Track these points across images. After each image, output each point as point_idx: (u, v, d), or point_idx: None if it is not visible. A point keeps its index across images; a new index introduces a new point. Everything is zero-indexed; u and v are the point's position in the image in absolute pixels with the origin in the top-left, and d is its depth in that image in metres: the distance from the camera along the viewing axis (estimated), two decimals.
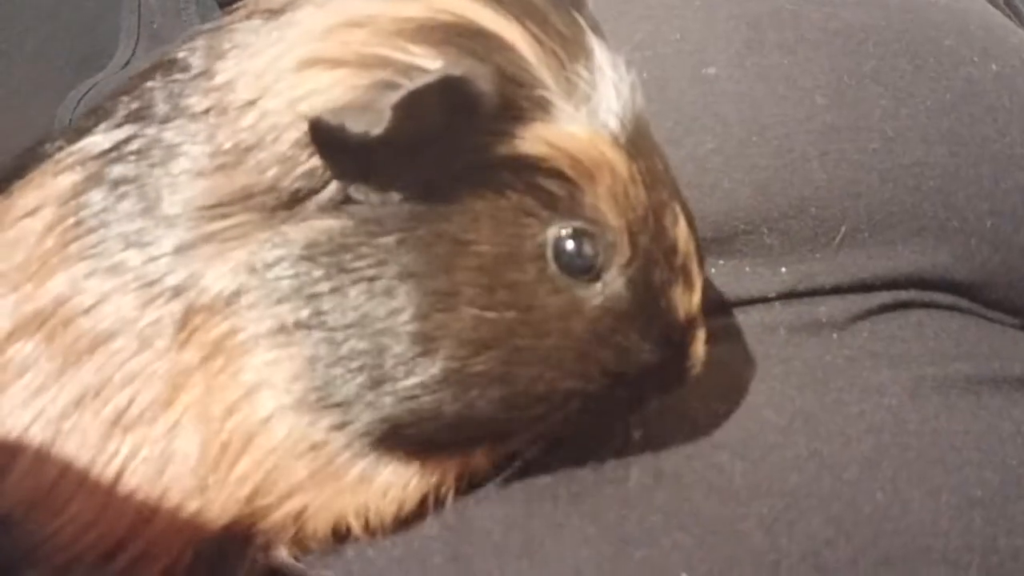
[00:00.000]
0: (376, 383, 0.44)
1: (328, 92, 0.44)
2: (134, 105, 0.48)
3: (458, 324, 0.44)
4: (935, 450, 0.51)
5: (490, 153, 0.44)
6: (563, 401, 0.46)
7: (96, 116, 0.50)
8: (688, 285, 0.48)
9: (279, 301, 0.44)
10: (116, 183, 0.46)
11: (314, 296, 0.44)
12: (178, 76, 0.48)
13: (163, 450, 0.45)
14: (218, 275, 0.44)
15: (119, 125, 0.48)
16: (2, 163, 0.54)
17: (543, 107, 0.44)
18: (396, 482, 0.47)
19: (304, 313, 0.44)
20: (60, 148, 0.49)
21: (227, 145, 0.45)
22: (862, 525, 0.48)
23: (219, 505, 0.45)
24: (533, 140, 0.44)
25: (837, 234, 0.59)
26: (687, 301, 0.48)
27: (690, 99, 0.61)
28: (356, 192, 0.44)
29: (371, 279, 0.44)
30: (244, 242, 0.45)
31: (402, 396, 0.44)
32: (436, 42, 0.44)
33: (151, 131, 0.47)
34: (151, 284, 0.45)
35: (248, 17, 0.49)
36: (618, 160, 0.45)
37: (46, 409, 0.45)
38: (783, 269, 0.59)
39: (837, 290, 0.59)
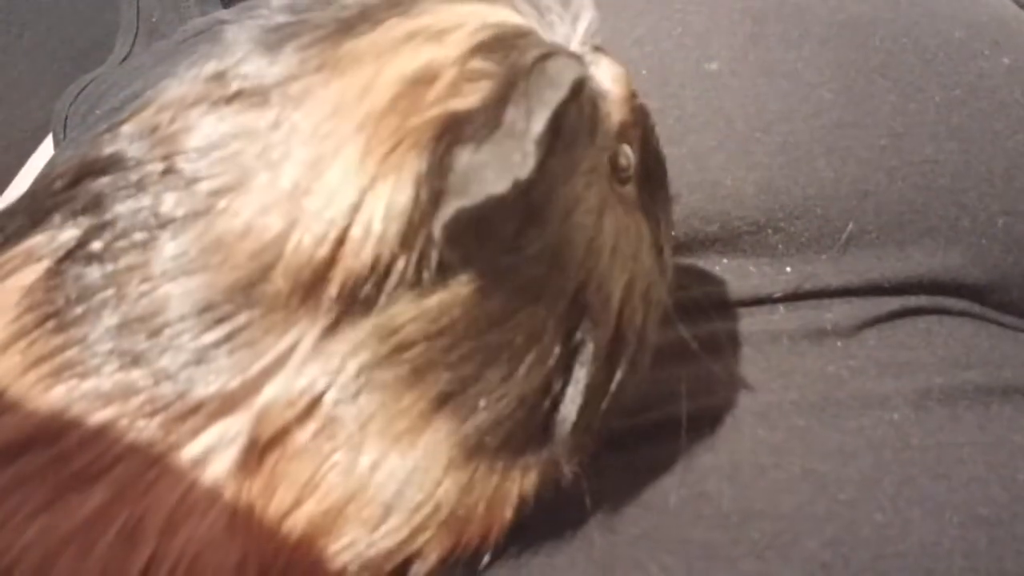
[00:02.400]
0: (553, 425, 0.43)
1: (399, 189, 0.39)
2: (81, 202, 0.42)
3: (620, 317, 0.44)
4: (939, 465, 0.49)
5: (591, 142, 0.43)
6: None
7: (37, 212, 0.43)
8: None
9: (394, 392, 0.40)
10: (82, 290, 0.40)
11: (444, 371, 0.40)
12: (127, 172, 0.42)
13: (201, 563, 0.40)
14: (275, 394, 0.39)
15: (70, 221, 0.42)
16: None
17: (586, 68, 0.43)
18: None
19: (435, 392, 0.40)
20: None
21: (214, 239, 0.40)
22: (860, 547, 0.46)
23: None
24: (618, 107, 0.44)
25: (843, 234, 0.58)
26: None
27: (692, 95, 0.60)
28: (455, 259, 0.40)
29: (523, 337, 0.41)
30: (268, 344, 0.39)
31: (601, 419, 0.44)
32: (480, 69, 0.40)
33: (113, 231, 0.41)
34: (168, 405, 0.39)
35: (190, 106, 0.42)
36: (623, 69, 0.46)
37: (45, 533, 0.40)
38: (788, 268, 0.58)
39: (844, 292, 0.57)
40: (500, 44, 0.40)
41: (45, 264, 0.41)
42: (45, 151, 1.04)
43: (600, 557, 0.46)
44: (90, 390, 0.40)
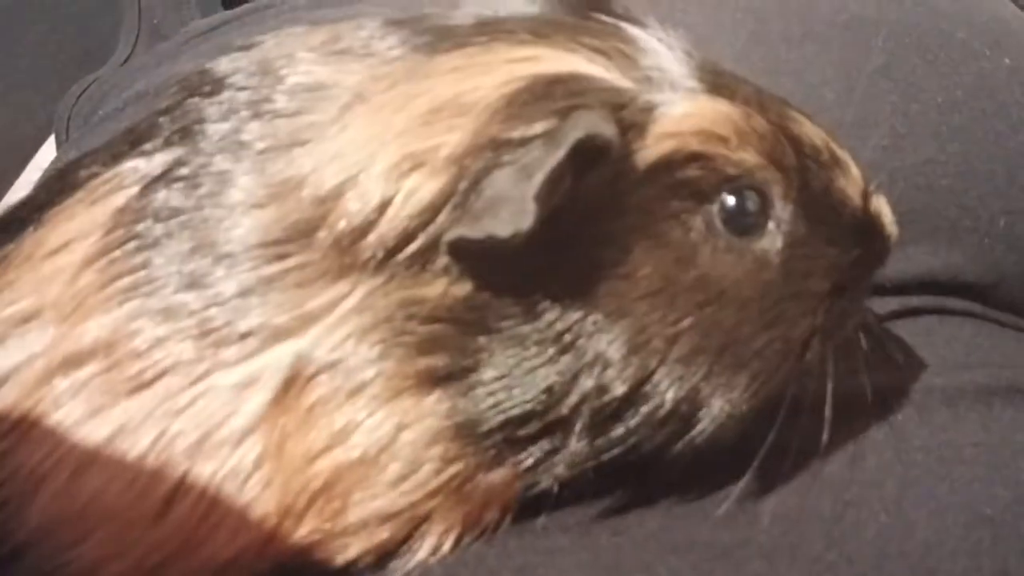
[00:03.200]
0: (577, 429, 0.43)
1: (426, 189, 0.41)
2: (178, 125, 0.46)
3: (659, 354, 0.43)
4: (942, 466, 0.49)
5: (623, 181, 0.43)
6: (803, 347, 0.46)
7: (134, 137, 0.47)
8: (843, 167, 0.48)
9: (405, 358, 0.42)
10: (163, 214, 0.44)
11: (453, 352, 0.42)
12: (228, 97, 0.45)
13: (227, 488, 0.43)
14: (317, 338, 0.42)
15: (163, 148, 0.45)
16: (34, 192, 0.51)
17: (646, 111, 0.43)
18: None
19: (439, 367, 0.42)
20: (95, 175, 0.46)
21: (283, 178, 0.43)
22: (865, 548, 0.46)
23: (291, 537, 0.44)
24: (656, 143, 0.43)
25: None
26: (851, 182, 0.48)
27: None
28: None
29: (535, 340, 0.43)
30: (316, 290, 0.42)
31: (623, 439, 0.44)
32: (527, 107, 0.42)
33: (200, 158, 0.44)
34: (214, 330, 0.42)
35: (311, 50, 0.46)
36: (725, 108, 0.44)
37: (85, 439, 0.43)
38: None
39: None
40: (548, 89, 0.42)
41: (135, 189, 0.45)
42: (47, 153, 1.04)
43: (607, 558, 0.46)
44: (150, 307, 0.43)
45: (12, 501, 0.43)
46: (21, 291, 0.45)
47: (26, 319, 0.44)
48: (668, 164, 0.43)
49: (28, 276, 0.45)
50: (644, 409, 0.43)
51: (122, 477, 0.42)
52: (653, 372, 0.43)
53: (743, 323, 0.44)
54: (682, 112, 0.43)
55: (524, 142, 0.40)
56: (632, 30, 0.47)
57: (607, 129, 0.40)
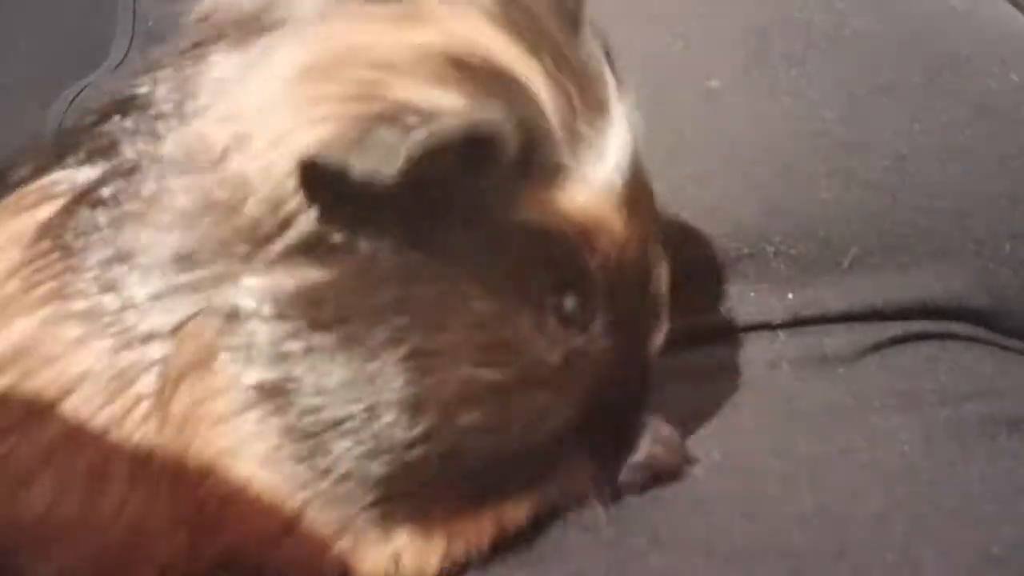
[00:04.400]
0: (369, 450, 0.42)
1: (321, 131, 0.40)
2: (101, 143, 0.45)
3: (449, 384, 0.42)
4: (949, 502, 0.48)
5: (498, 211, 0.41)
6: (553, 438, 0.45)
7: (62, 148, 0.46)
8: (659, 327, 0.47)
9: (253, 361, 0.41)
10: (87, 229, 0.43)
11: (286, 357, 0.41)
12: (145, 115, 0.44)
13: (138, 508, 0.43)
14: (194, 331, 0.42)
15: (86, 162, 0.45)
16: None
17: (556, 171, 0.42)
18: (409, 547, 0.45)
19: (276, 376, 0.41)
20: (23, 182, 0.46)
21: (205, 195, 0.42)
22: None
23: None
24: (544, 208, 0.42)
25: (846, 257, 0.57)
26: (656, 341, 0.47)
27: (693, 114, 0.59)
28: (342, 238, 0.40)
29: (356, 340, 0.41)
30: (218, 292, 0.42)
31: (396, 461, 0.42)
32: (450, 78, 0.40)
33: (121, 177, 0.44)
34: (128, 330, 0.42)
35: (216, 41, 0.45)
36: (617, 222, 0.43)
37: (10, 457, 0.43)
38: (790, 295, 0.57)
39: (846, 318, 0.56)
40: (462, 68, 0.41)
41: (61, 202, 0.45)
42: None
43: None
44: (67, 311, 0.43)
45: None
46: None
47: None
48: (542, 231, 0.42)
49: None
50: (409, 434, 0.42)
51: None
52: (429, 401, 0.42)
53: (526, 399, 0.44)
54: (583, 200, 0.42)
55: (432, 111, 0.39)
56: (608, 82, 0.45)
57: (509, 140, 0.39)
